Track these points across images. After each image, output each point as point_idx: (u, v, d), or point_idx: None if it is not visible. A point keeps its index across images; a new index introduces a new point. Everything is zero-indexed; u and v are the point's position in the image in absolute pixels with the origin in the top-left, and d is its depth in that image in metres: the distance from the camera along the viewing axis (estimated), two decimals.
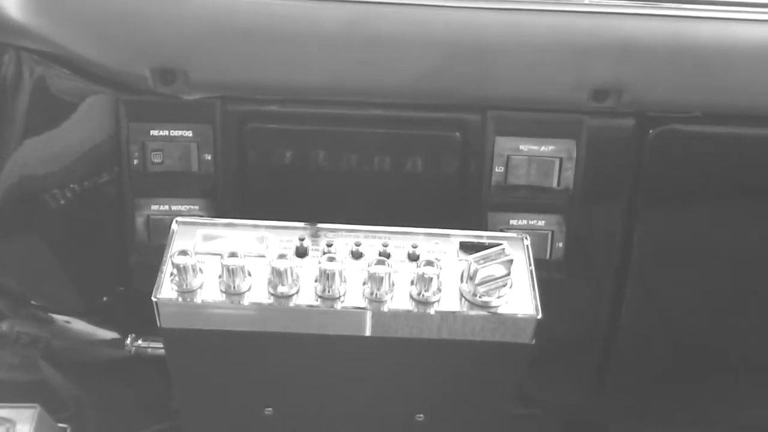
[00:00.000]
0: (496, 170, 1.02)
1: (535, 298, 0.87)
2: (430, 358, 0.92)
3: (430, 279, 0.85)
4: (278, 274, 0.85)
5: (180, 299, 0.85)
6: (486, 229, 1.03)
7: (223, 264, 0.85)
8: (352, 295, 0.86)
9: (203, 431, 1.10)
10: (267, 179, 1.03)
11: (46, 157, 1.01)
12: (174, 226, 0.93)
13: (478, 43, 0.97)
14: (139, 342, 1.11)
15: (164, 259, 0.89)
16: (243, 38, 0.96)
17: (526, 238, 0.94)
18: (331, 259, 0.85)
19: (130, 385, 1.24)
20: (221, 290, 0.86)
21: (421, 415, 1.01)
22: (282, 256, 0.85)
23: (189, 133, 1.01)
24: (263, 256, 0.89)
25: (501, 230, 1.04)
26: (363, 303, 0.86)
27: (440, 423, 1.03)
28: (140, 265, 1.05)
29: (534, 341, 0.88)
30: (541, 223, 1.05)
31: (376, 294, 0.85)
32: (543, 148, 1.02)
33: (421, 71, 0.97)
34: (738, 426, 1.37)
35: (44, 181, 1.01)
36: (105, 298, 1.11)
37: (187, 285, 0.85)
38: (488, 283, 0.85)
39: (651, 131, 1.02)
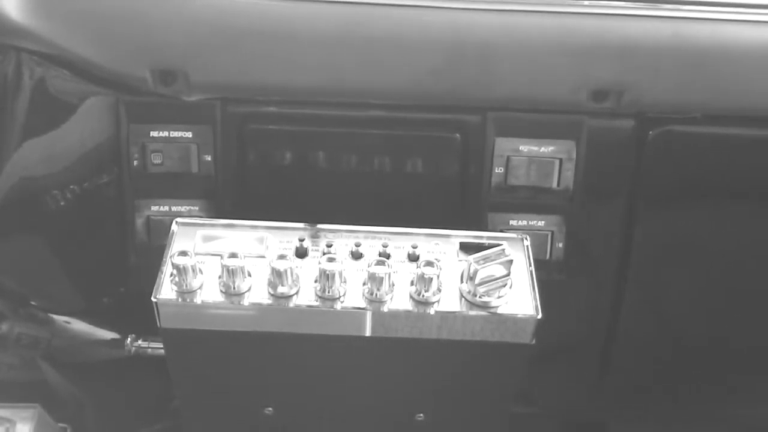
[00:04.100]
0: (496, 171, 1.02)
1: (535, 298, 0.87)
2: (430, 358, 0.92)
3: (430, 279, 0.85)
4: (278, 275, 0.85)
5: (180, 300, 0.85)
6: (486, 230, 1.03)
7: (223, 264, 0.85)
8: (352, 295, 0.86)
9: (203, 431, 1.10)
10: (267, 180, 1.03)
11: (47, 158, 1.01)
12: (174, 226, 0.93)
13: (478, 45, 0.97)
14: (139, 342, 1.11)
15: (164, 259, 0.89)
16: (243, 39, 0.96)
17: (526, 239, 0.94)
18: (331, 260, 0.85)
19: (130, 385, 1.24)
20: (221, 291, 0.86)
21: (421, 415, 1.01)
22: (282, 257, 0.85)
23: (189, 134, 1.01)
24: (263, 257, 0.89)
25: (501, 231, 1.04)
26: (363, 303, 0.86)
27: (440, 423, 1.03)
28: (140, 265, 1.05)
29: (534, 341, 0.88)
30: (541, 223, 1.05)
31: (376, 294, 0.85)
32: (543, 149, 1.02)
33: (421, 72, 0.97)
34: (738, 426, 1.37)
35: (44, 182, 1.01)
36: (105, 299, 1.11)
37: (186, 285, 0.85)
38: (488, 284, 0.85)
39: (651, 132, 1.02)
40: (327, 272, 0.84)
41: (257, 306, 0.86)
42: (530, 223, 1.05)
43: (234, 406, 1.01)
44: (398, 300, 0.86)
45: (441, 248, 0.92)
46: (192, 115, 1.00)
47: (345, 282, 0.86)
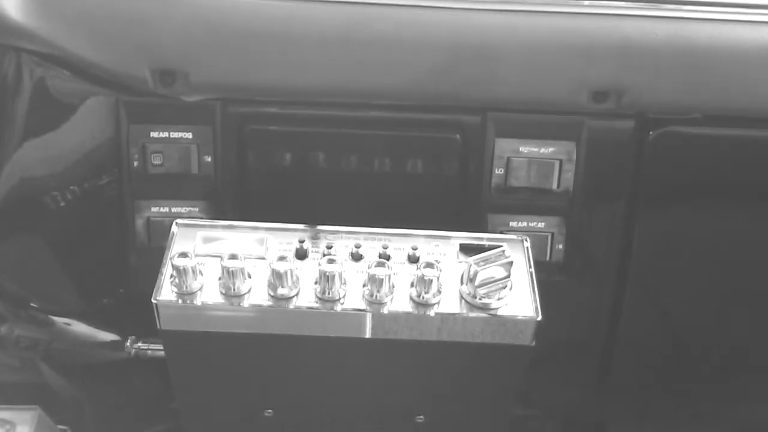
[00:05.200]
0: (496, 172, 1.02)
1: (535, 300, 0.87)
2: (430, 359, 0.92)
3: (430, 281, 0.85)
4: (278, 276, 0.85)
5: (180, 301, 0.85)
6: (486, 231, 1.03)
7: (223, 266, 0.85)
8: (352, 297, 0.86)
9: None
10: (267, 181, 1.03)
11: (46, 158, 1.01)
12: (174, 228, 0.93)
13: (478, 45, 0.97)
14: (139, 344, 1.11)
15: (164, 261, 0.89)
16: (243, 40, 0.96)
17: (526, 240, 0.94)
18: (331, 261, 0.85)
19: (130, 387, 1.24)
20: (221, 292, 0.86)
21: (422, 417, 1.01)
22: (282, 258, 0.85)
23: (189, 135, 1.01)
24: (263, 258, 0.89)
25: (501, 232, 1.04)
26: (363, 305, 0.86)
27: (440, 424, 1.03)
28: (140, 267, 1.05)
29: (534, 343, 0.88)
30: (541, 224, 1.05)
31: (376, 296, 0.85)
32: (543, 150, 1.02)
33: (421, 73, 0.97)
34: (738, 426, 1.37)
35: (44, 183, 1.01)
36: (105, 300, 1.11)
37: (186, 287, 0.85)
38: (488, 285, 0.85)
39: (651, 133, 1.02)
40: (327, 274, 0.84)
41: (257, 308, 0.86)
42: (530, 224, 1.05)
43: (234, 408, 1.01)
44: (398, 302, 0.86)
45: (441, 250, 0.92)
46: (192, 115, 1.00)
47: (345, 283, 0.86)
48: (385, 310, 0.86)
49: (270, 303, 0.86)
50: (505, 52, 0.97)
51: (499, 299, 0.86)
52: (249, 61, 0.97)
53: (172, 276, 0.86)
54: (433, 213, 1.04)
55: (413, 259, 0.90)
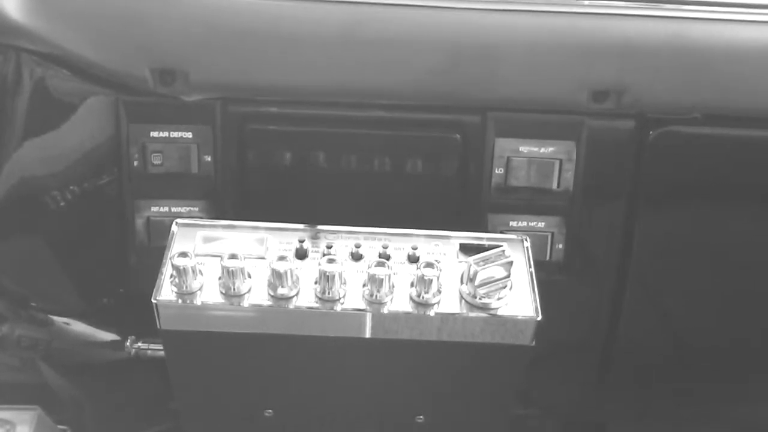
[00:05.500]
0: (496, 172, 1.02)
1: (535, 300, 0.87)
2: (430, 359, 0.92)
3: (430, 281, 0.85)
4: (278, 276, 0.85)
5: (180, 301, 0.85)
6: (486, 231, 1.03)
7: (223, 266, 0.85)
8: (352, 296, 0.86)
9: None
10: (267, 181, 1.03)
11: (46, 158, 1.01)
12: (174, 227, 0.93)
13: (478, 45, 0.97)
14: (139, 344, 1.11)
15: (164, 260, 0.88)
16: (243, 39, 0.96)
17: (526, 240, 0.94)
18: (331, 261, 0.85)
19: (130, 387, 1.24)
20: (221, 292, 0.86)
21: (422, 417, 1.01)
22: (282, 258, 0.85)
23: (189, 135, 1.01)
24: (263, 258, 0.89)
25: (501, 232, 1.04)
26: (363, 305, 0.86)
27: (440, 424, 1.03)
28: (140, 266, 1.05)
29: (534, 343, 0.88)
30: (541, 224, 1.05)
31: (376, 296, 0.85)
32: (543, 150, 1.02)
33: (421, 73, 0.97)
34: (738, 425, 1.37)
35: (44, 183, 1.01)
36: (105, 300, 1.11)
37: (186, 287, 0.85)
38: (488, 285, 0.85)
39: (651, 133, 1.02)
40: (327, 274, 0.84)
41: (257, 307, 0.85)
42: (530, 224, 1.05)
43: (234, 408, 1.01)
44: (398, 301, 0.86)
45: (441, 249, 0.92)
46: (192, 115, 1.00)
47: (345, 283, 0.86)
48: (385, 310, 0.86)
49: (270, 303, 0.85)
50: (505, 51, 0.98)
51: (499, 299, 0.86)
52: (249, 61, 0.97)
53: (172, 276, 0.86)
54: (433, 213, 1.04)
55: (413, 259, 0.90)
